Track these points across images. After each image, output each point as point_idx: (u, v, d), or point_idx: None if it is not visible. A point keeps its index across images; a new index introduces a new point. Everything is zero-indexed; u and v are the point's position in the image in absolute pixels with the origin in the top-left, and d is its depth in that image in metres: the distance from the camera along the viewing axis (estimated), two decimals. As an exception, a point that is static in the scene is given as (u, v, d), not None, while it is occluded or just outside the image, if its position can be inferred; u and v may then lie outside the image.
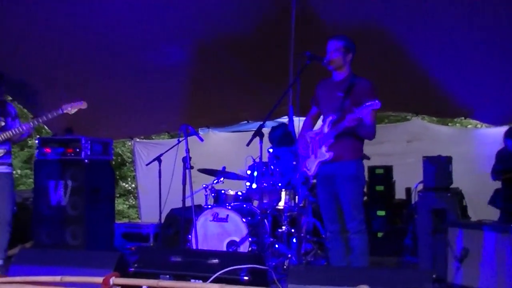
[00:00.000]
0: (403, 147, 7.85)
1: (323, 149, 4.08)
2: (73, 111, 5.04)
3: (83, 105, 5.07)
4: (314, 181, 4.46)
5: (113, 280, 2.46)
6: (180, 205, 5.25)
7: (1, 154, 4.96)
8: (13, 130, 4.94)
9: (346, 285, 2.81)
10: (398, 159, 7.52)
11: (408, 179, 6.65)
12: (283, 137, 5.81)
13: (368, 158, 4.32)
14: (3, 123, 4.99)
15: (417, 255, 4.98)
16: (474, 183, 6.65)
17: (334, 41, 4.20)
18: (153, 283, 2.48)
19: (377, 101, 3.77)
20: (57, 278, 2.68)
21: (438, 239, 4.64)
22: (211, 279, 2.93)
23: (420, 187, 5.10)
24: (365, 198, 6.89)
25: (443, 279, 4.42)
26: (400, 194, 7.03)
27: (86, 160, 5.56)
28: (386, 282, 2.80)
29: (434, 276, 2.85)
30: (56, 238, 5.57)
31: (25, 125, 4.98)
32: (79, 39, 6.32)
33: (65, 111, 5.00)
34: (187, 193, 4.92)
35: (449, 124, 10.72)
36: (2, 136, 4.91)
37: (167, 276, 3.32)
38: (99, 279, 2.50)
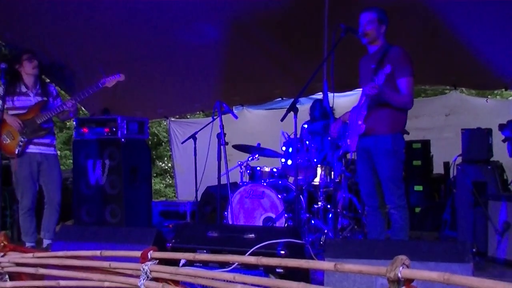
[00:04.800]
0: (441, 121, 7.70)
1: (359, 121, 4.03)
2: (112, 84, 5.10)
3: (121, 78, 5.11)
4: (354, 156, 4.42)
5: (151, 254, 2.49)
6: (215, 182, 5.27)
7: (46, 132, 5.12)
8: (56, 108, 5.08)
9: (384, 258, 2.77)
10: (436, 133, 7.39)
11: (446, 153, 6.52)
12: (322, 112, 5.78)
13: (407, 133, 4.23)
14: (44, 102, 5.13)
15: (456, 230, 4.90)
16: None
17: (366, 13, 4.12)
18: (189, 257, 2.50)
19: (388, 65, 3.70)
20: (97, 253, 2.73)
21: (478, 213, 4.55)
22: (248, 253, 2.93)
23: (459, 160, 4.99)
24: (403, 173, 6.80)
25: (484, 253, 4.35)
26: (438, 169, 6.90)
27: (122, 139, 5.63)
28: (425, 254, 2.75)
29: (474, 249, 2.79)
30: (95, 216, 5.68)
31: (68, 102, 5.08)
32: (113, 19, 6.37)
33: (103, 86, 5.07)
34: (223, 169, 4.94)
35: (489, 96, 10.43)
36: (47, 115, 5.06)
37: (204, 251, 3.35)
38: (137, 253, 2.54)
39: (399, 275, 1.72)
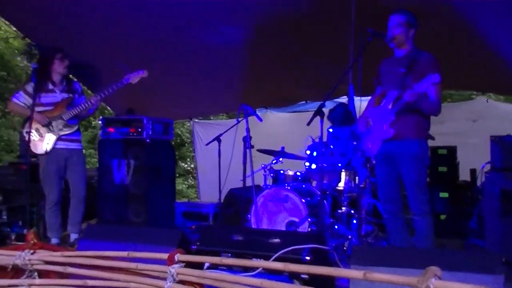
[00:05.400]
0: (467, 126, 7.58)
1: (385, 126, 4.00)
2: (136, 80, 5.20)
3: (144, 74, 5.21)
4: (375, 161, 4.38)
5: (178, 256, 2.49)
6: (237, 184, 5.27)
7: (73, 129, 5.19)
8: (82, 105, 5.17)
9: (411, 267, 2.72)
10: (462, 139, 7.28)
11: (472, 160, 6.42)
12: (343, 117, 5.72)
13: (433, 138, 4.18)
14: (70, 99, 5.23)
15: (483, 238, 4.81)
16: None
17: (396, 16, 4.08)
18: (216, 261, 2.50)
19: (436, 74, 3.64)
20: (124, 253, 2.75)
21: (507, 222, 4.46)
22: (272, 258, 2.92)
23: (487, 168, 4.90)
24: (428, 179, 6.72)
25: (512, 263, 4.26)
26: (464, 175, 6.80)
27: (147, 140, 5.66)
28: (453, 264, 2.71)
29: (503, 259, 2.73)
30: (119, 215, 5.72)
31: (93, 98, 5.20)
32: (137, 20, 6.41)
33: (128, 82, 5.16)
34: (247, 172, 4.94)
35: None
36: (73, 112, 5.11)
37: (229, 254, 3.35)
38: (164, 255, 2.55)
39: (431, 287, 1.69)
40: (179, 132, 15.44)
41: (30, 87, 5.10)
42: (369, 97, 7.15)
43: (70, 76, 5.50)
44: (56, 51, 5.26)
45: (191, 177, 15.83)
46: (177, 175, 15.11)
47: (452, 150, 6.71)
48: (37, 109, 5.08)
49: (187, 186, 15.84)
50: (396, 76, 4.03)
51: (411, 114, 3.93)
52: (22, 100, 5.16)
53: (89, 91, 7.87)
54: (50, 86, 5.22)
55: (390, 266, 2.74)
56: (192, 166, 14.86)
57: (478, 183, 5.34)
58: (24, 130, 5.12)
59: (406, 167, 3.99)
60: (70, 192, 5.34)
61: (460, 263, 2.72)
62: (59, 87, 5.24)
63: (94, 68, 7.40)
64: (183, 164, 16.32)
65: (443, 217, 6.26)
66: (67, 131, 5.17)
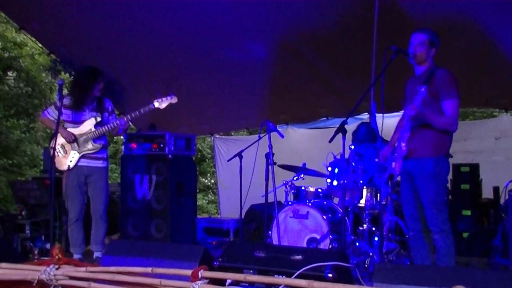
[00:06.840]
0: (490, 144, 7.50)
1: (402, 144, 3.99)
2: (164, 105, 5.19)
3: (174, 100, 5.20)
4: (398, 178, 4.36)
5: (202, 273, 2.51)
6: (258, 200, 5.26)
7: (98, 149, 5.20)
8: (108, 126, 5.16)
9: (435, 285, 2.72)
10: (485, 157, 7.19)
11: (496, 177, 6.35)
12: (365, 136, 5.71)
13: (450, 156, 4.14)
14: (99, 119, 5.21)
15: (507, 257, 4.74)
16: None
17: (418, 34, 4.09)
18: (240, 277, 2.51)
19: (423, 86, 3.72)
20: (148, 269, 2.78)
21: (532, 241, 4.40)
22: (295, 275, 2.93)
23: (511, 186, 4.85)
24: (450, 197, 6.65)
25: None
26: (487, 193, 6.72)
27: (169, 156, 5.72)
28: (477, 283, 2.68)
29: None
30: (141, 230, 5.77)
31: (120, 120, 5.18)
32: (162, 37, 6.51)
33: (156, 106, 5.16)
34: (269, 188, 4.95)
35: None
36: (98, 132, 5.15)
37: (251, 271, 3.35)
38: (187, 272, 2.57)
39: (457, 306, 1.68)
40: (200, 148, 15.52)
41: (59, 103, 5.15)
42: (391, 114, 7.17)
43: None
44: (100, 74, 5.26)
45: (211, 193, 15.88)
46: (198, 190, 15.17)
47: (475, 168, 6.62)
48: (65, 125, 5.14)
49: (207, 201, 15.88)
50: (414, 93, 4.03)
51: (426, 130, 3.91)
52: (52, 115, 5.20)
53: (115, 108, 7.96)
54: (81, 104, 5.20)
55: (413, 284, 2.73)
56: (213, 181, 14.90)
57: (502, 201, 5.26)
58: (50, 146, 5.17)
59: (422, 185, 3.95)
60: (90, 210, 5.34)
61: (484, 282, 2.70)
62: (89, 105, 5.23)
63: (121, 85, 7.50)
64: (203, 179, 16.38)
65: (465, 235, 6.17)
66: (91, 150, 5.16)
